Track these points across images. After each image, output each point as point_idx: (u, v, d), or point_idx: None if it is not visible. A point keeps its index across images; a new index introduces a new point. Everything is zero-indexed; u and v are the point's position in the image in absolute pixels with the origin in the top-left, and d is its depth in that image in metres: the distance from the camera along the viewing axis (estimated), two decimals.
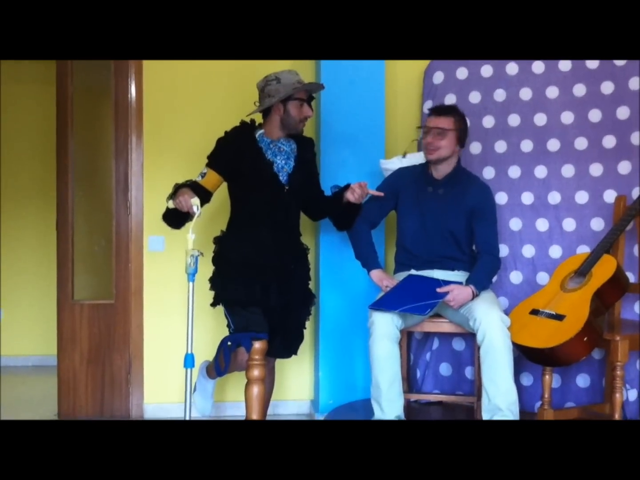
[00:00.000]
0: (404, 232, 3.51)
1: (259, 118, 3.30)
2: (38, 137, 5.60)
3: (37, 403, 4.50)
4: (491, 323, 3.06)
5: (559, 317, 3.11)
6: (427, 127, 3.39)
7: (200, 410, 3.49)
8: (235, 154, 3.21)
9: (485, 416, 3.08)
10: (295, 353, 3.38)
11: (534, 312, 3.21)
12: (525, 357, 3.23)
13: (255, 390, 3.06)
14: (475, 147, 3.89)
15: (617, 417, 3.09)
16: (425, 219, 3.41)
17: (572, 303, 3.15)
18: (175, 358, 4.06)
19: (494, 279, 3.70)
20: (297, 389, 4.24)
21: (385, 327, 3.15)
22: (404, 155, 3.60)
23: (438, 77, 4.01)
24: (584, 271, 3.25)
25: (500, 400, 3.04)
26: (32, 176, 5.68)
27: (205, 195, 3.15)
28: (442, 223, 3.38)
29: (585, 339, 3.03)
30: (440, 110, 3.42)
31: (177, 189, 3.09)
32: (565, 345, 3.01)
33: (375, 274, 3.42)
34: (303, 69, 3.65)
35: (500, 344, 3.04)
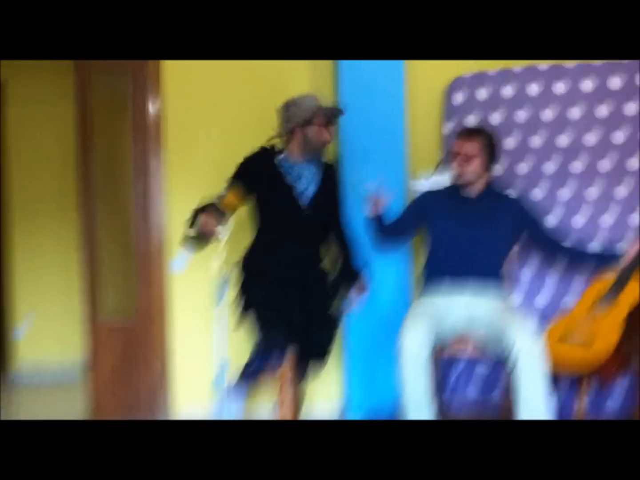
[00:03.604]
0: (435, 248, 3.44)
1: (278, 142, 3.32)
2: (52, 157, 5.55)
3: None
4: (527, 348, 2.93)
5: (586, 344, 3.11)
6: (453, 151, 3.32)
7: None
8: (255, 178, 3.23)
9: None
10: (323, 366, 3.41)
11: (561, 339, 3.20)
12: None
13: (282, 411, 3.07)
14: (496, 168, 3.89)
15: None
16: (460, 238, 3.33)
17: (601, 328, 3.14)
18: (202, 378, 4.04)
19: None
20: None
21: (414, 350, 3.01)
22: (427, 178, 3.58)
23: (457, 98, 4.01)
24: (613, 295, 3.23)
25: None
26: (49, 195, 5.60)
27: (221, 217, 3.15)
28: (480, 240, 3.31)
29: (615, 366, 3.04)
30: (465, 134, 3.34)
31: (196, 214, 3.10)
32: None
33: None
34: (322, 81, 3.64)
35: (536, 369, 2.91)
